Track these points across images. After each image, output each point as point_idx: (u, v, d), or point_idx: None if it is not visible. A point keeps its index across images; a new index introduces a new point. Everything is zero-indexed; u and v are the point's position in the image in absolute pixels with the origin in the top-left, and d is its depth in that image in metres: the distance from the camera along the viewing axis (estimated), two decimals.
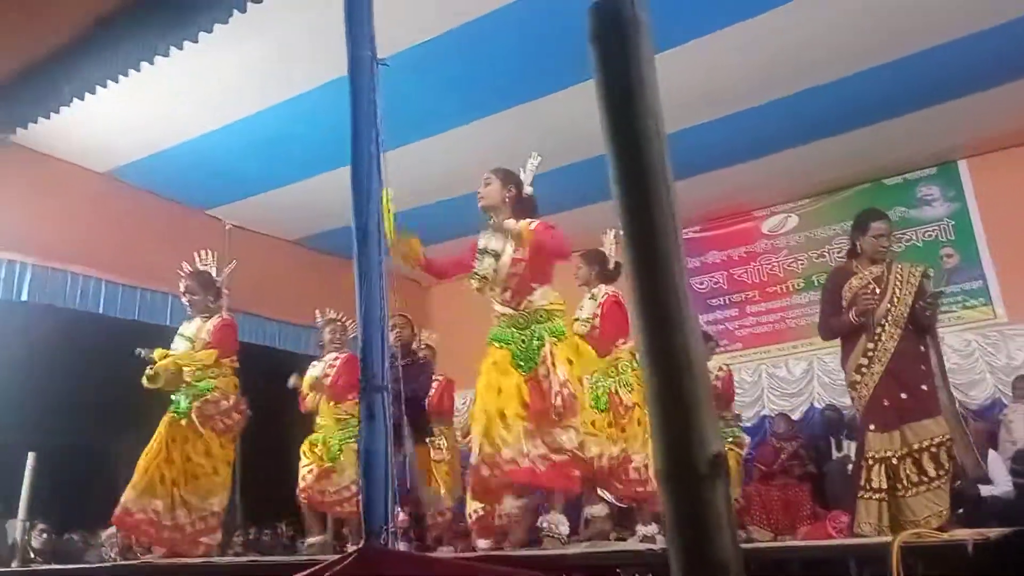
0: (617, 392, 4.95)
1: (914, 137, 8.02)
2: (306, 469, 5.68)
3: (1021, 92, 7.14)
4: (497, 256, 3.95)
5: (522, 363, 3.82)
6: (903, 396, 3.91)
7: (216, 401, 5.29)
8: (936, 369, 4.03)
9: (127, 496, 5.05)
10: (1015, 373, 7.62)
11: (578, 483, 3.95)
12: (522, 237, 3.87)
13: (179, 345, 5.40)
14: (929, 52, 6.48)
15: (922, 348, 4.05)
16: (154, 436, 5.26)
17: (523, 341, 3.86)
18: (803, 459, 7.43)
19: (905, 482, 3.79)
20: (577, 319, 4.99)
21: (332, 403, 5.88)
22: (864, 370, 4.04)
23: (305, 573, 2.50)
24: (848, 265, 4.37)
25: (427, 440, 5.91)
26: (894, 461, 3.83)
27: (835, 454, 8.02)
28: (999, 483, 6.26)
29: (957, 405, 4.16)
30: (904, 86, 6.95)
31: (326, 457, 5.70)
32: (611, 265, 5.23)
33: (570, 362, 3.88)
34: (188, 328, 5.49)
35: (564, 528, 3.88)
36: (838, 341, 4.33)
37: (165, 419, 5.30)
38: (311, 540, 5.83)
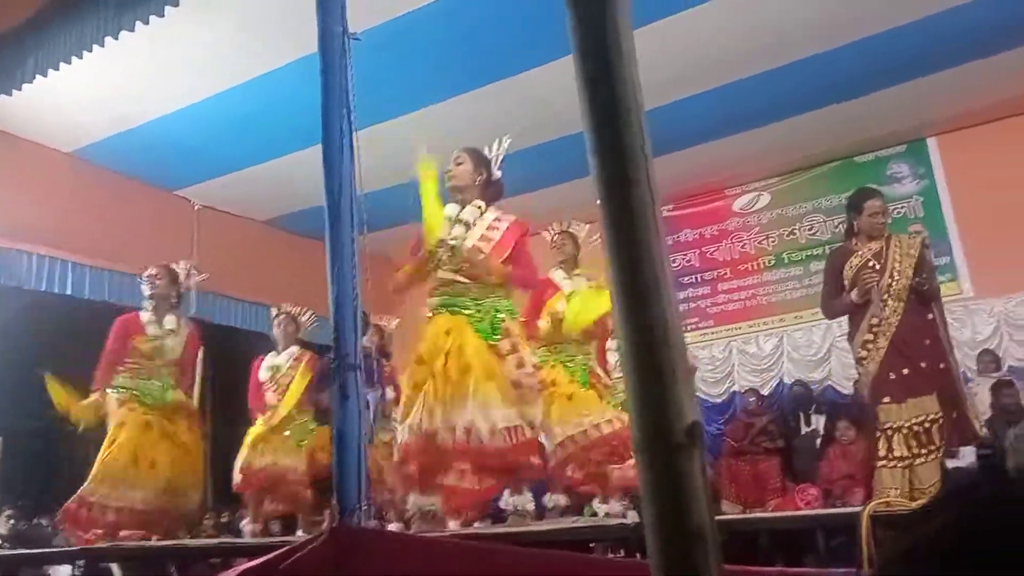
0: (594, 368, 5.00)
1: (884, 115, 8.08)
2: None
3: (989, 70, 7.22)
4: (468, 227, 3.89)
5: (482, 332, 3.70)
6: (905, 371, 4.01)
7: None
8: (944, 336, 4.11)
9: (94, 491, 4.91)
10: (980, 347, 7.77)
11: (541, 468, 3.92)
12: (493, 272, 3.82)
13: (158, 338, 5.30)
14: (899, 30, 6.52)
15: (929, 317, 4.13)
16: (117, 429, 5.10)
17: (479, 311, 3.74)
18: (772, 434, 7.53)
19: (915, 450, 3.91)
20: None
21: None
22: (870, 345, 4.12)
23: (277, 553, 2.50)
24: (848, 244, 4.45)
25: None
26: (904, 431, 3.95)
27: (804, 429, 8.15)
28: (963, 455, 6.38)
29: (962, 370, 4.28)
30: (874, 64, 6.99)
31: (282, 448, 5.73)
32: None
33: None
34: (165, 322, 5.37)
35: (531, 506, 3.90)
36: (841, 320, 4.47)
37: (130, 414, 5.16)
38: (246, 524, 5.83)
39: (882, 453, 4.01)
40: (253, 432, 5.81)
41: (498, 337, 3.72)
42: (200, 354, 5.62)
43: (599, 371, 5.01)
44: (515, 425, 3.56)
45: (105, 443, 5.09)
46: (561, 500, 4.83)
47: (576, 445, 4.61)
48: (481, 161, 4.00)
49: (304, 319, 6.32)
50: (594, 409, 4.72)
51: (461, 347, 3.61)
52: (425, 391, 3.57)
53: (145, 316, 5.34)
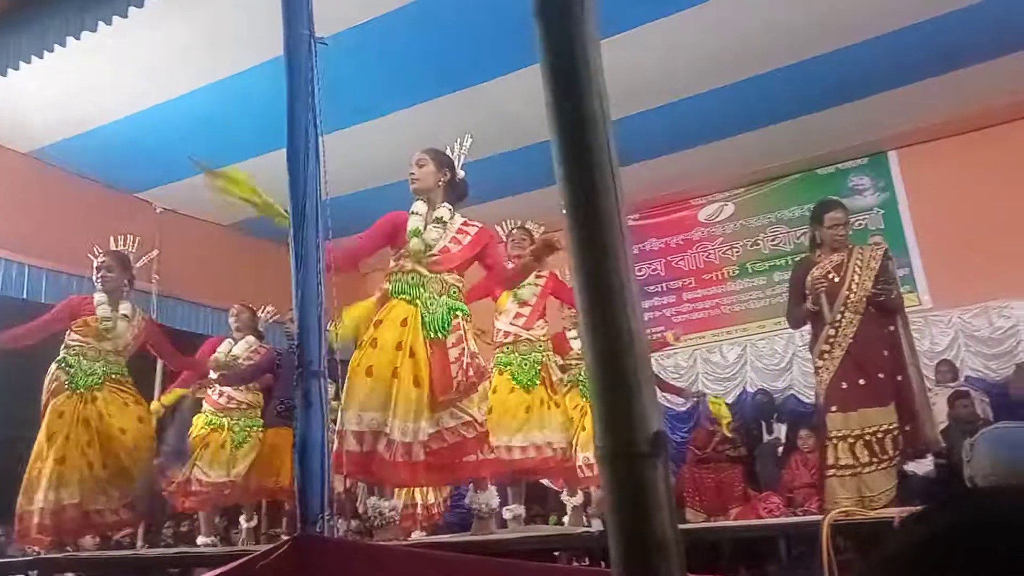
0: (549, 368, 5.03)
1: (846, 128, 8.23)
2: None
3: (949, 85, 7.37)
4: (444, 226, 3.88)
5: (430, 329, 3.66)
6: (860, 382, 4.06)
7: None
8: (906, 349, 4.15)
9: (42, 499, 4.65)
10: (938, 358, 7.91)
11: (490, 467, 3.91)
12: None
13: (115, 320, 5.08)
14: (861, 45, 6.64)
15: (890, 329, 4.18)
16: (51, 424, 4.84)
17: (431, 305, 3.71)
18: (735, 442, 7.59)
19: (864, 459, 3.96)
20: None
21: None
22: (826, 356, 4.18)
23: (236, 563, 2.45)
24: (811, 256, 4.50)
25: None
26: (850, 440, 4.00)
27: (766, 437, 8.23)
28: (921, 463, 6.48)
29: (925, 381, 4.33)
30: (836, 78, 7.11)
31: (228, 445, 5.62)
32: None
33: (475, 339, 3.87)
34: (121, 307, 5.16)
35: (495, 502, 3.90)
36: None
37: (67, 403, 4.88)
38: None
39: (830, 462, 4.06)
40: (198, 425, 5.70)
41: (446, 333, 3.68)
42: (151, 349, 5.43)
43: (553, 370, 5.06)
44: (452, 426, 3.59)
45: (41, 439, 4.83)
46: (519, 510, 4.87)
47: (524, 460, 4.70)
48: (444, 161, 3.98)
49: (262, 314, 6.25)
50: (546, 426, 4.81)
51: (413, 350, 3.58)
52: (386, 389, 3.50)
53: (98, 297, 5.12)
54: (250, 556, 2.45)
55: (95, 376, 4.98)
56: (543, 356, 5.04)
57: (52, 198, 7.60)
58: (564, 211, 0.87)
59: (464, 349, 3.68)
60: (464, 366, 3.64)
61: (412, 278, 3.76)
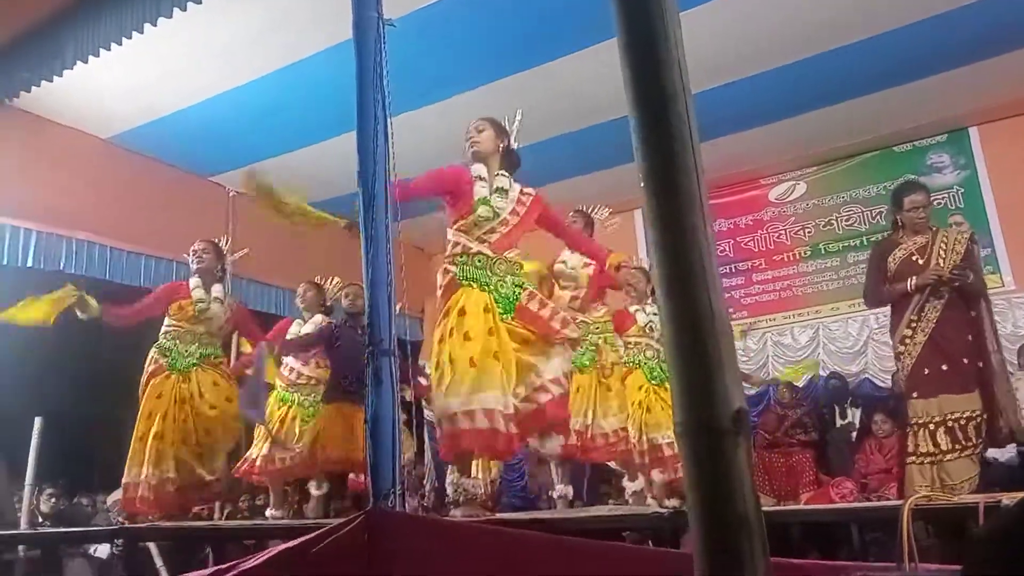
0: (604, 351, 5.04)
1: (924, 104, 7.93)
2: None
3: None
4: (505, 194, 3.89)
5: (505, 310, 3.71)
6: (943, 368, 3.95)
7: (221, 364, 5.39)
8: (989, 335, 4.02)
9: (143, 473, 4.95)
10: (1021, 341, 7.61)
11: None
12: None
13: (210, 303, 5.31)
14: (940, 17, 6.39)
15: (972, 314, 4.05)
16: (150, 403, 5.13)
17: (501, 287, 3.74)
18: (806, 427, 7.44)
19: (945, 447, 3.86)
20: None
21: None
22: (908, 341, 4.07)
23: (311, 535, 2.51)
24: (894, 236, 4.38)
25: None
26: (931, 427, 3.90)
27: (839, 422, 8.04)
28: (1003, 450, 6.27)
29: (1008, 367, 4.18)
30: (914, 52, 6.86)
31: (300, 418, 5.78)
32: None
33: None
34: (214, 290, 5.39)
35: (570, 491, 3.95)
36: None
37: (165, 383, 5.16)
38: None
39: (910, 449, 3.98)
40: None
41: (512, 315, 3.72)
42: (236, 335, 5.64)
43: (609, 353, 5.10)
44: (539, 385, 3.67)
45: (141, 418, 5.12)
46: (567, 490, 4.91)
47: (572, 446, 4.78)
48: (501, 129, 4.03)
49: (329, 286, 6.32)
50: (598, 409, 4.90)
51: (499, 331, 3.63)
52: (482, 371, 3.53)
53: (193, 281, 5.39)
54: (323, 528, 2.51)
55: (192, 358, 5.25)
56: (599, 339, 5.06)
57: (131, 182, 7.84)
58: (643, 186, 0.86)
59: (550, 307, 3.80)
60: (560, 318, 3.75)
61: (479, 261, 3.75)
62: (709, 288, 0.82)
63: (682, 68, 0.88)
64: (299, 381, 5.94)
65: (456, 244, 3.82)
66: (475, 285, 3.71)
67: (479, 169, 3.90)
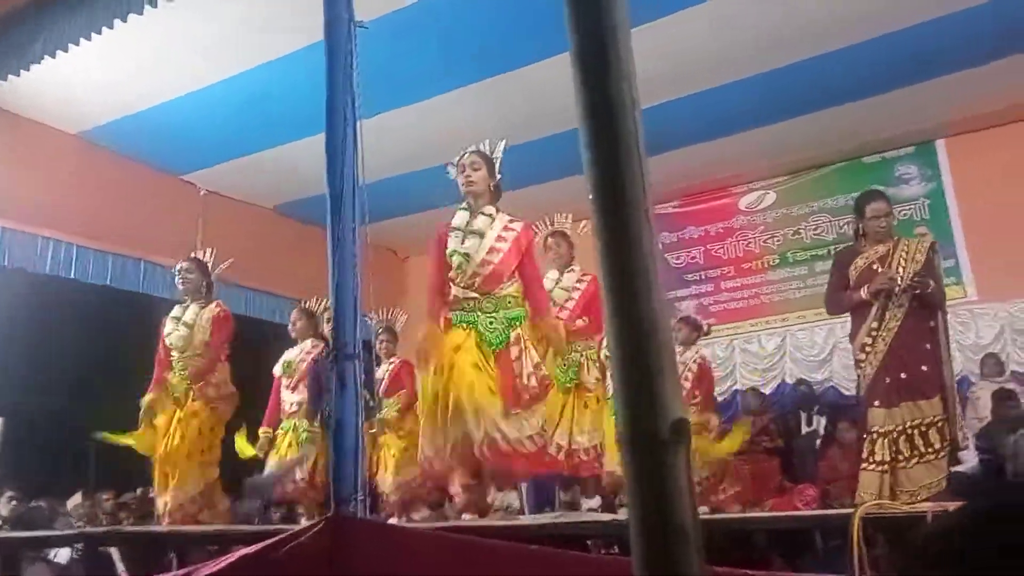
0: (586, 368, 5.06)
1: (893, 116, 8.05)
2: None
3: (999, 73, 7.17)
4: (481, 237, 3.91)
5: (491, 342, 3.80)
6: (903, 376, 3.98)
7: (216, 385, 5.33)
8: (943, 346, 4.08)
9: (171, 498, 5.07)
10: (983, 351, 7.74)
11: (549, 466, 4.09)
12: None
13: (177, 331, 5.29)
14: (909, 31, 6.48)
15: (931, 324, 4.09)
16: (163, 430, 5.23)
17: (491, 323, 3.84)
18: (772, 434, 7.49)
19: (906, 453, 3.90)
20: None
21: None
22: (868, 348, 4.09)
23: (273, 540, 2.50)
24: (856, 245, 4.42)
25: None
26: (894, 435, 3.93)
27: (804, 429, 8.12)
28: (966, 460, 6.36)
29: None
30: (884, 65, 6.96)
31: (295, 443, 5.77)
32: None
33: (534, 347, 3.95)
34: (186, 314, 5.38)
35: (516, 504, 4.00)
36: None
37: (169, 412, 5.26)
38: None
39: (865, 455, 4.02)
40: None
41: (506, 344, 3.81)
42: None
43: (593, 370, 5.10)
44: (517, 437, 3.71)
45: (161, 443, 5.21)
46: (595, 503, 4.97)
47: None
48: (492, 165, 4.04)
49: (321, 309, 6.27)
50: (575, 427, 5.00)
51: (475, 366, 3.73)
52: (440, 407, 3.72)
53: (174, 311, 5.42)
54: (286, 534, 2.50)
55: (178, 389, 5.29)
56: (581, 356, 5.07)
57: (99, 179, 7.73)
58: (590, 196, 0.87)
59: (525, 359, 3.80)
60: (526, 377, 3.76)
61: (468, 304, 3.89)
62: (651, 297, 0.83)
63: (630, 78, 0.89)
64: (292, 410, 5.93)
65: (452, 295, 3.96)
66: (464, 326, 3.84)
67: (459, 217, 3.99)
